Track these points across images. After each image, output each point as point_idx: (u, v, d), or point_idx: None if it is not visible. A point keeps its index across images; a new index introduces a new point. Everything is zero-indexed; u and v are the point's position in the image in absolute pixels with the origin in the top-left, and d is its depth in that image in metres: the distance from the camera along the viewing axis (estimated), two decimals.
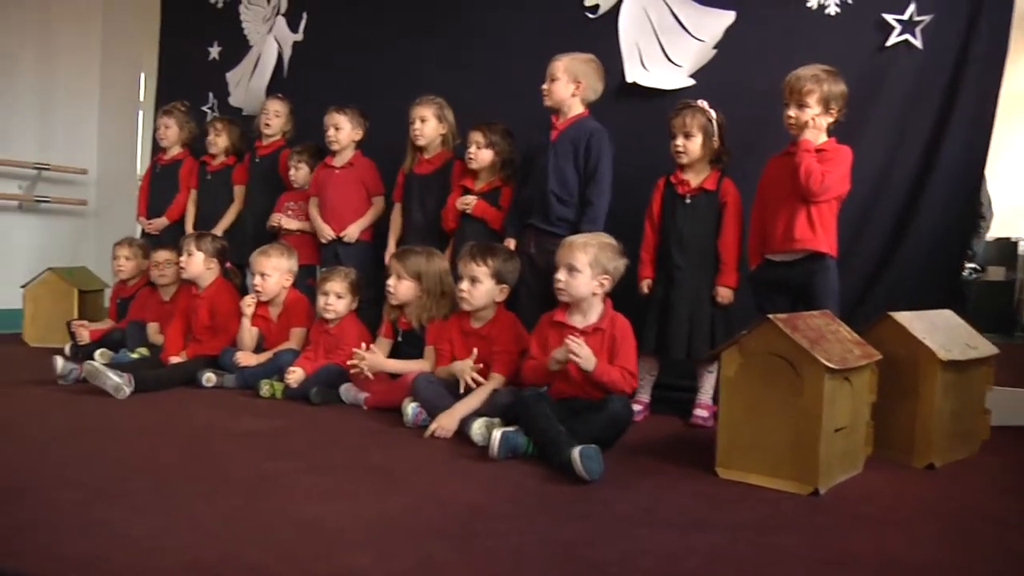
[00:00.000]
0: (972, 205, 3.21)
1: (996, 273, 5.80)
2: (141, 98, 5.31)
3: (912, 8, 3.13)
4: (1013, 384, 2.91)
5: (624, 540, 1.75)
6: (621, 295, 2.77)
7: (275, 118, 4.23)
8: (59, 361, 3.25)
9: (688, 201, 3.05)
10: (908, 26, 3.14)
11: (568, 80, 3.18)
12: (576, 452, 2.15)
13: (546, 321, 2.72)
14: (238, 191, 4.32)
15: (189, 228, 4.31)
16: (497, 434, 2.36)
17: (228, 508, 1.84)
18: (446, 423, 2.59)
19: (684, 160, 3.04)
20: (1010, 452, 2.66)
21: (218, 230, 4.16)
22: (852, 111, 3.10)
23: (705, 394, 3.05)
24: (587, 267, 2.59)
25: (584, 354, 2.47)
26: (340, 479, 2.14)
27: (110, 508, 1.82)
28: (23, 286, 4.47)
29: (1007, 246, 5.92)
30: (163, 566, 1.49)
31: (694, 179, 3.08)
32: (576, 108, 3.23)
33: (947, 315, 2.72)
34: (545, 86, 3.21)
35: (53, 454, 2.28)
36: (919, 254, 3.07)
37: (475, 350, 2.77)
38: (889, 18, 3.16)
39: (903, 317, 2.55)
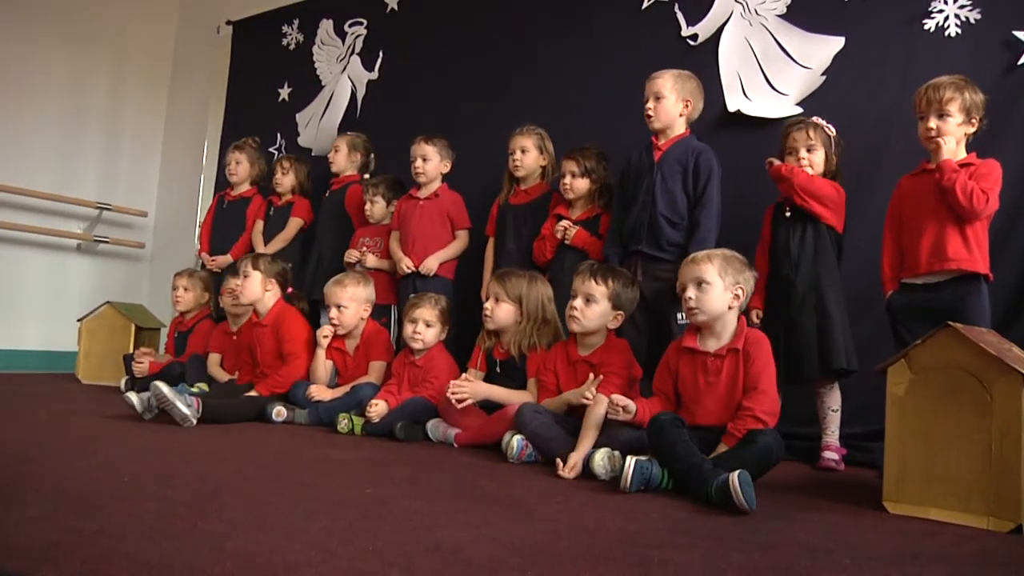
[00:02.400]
0: None
1: None
2: (206, 143, 5.22)
3: None
4: None
5: (831, 570, 1.45)
6: None
7: (335, 153, 4.12)
8: (134, 398, 2.92)
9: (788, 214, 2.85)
10: None
11: (677, 99, 3.02)
12: (735, 476, 1.86)
13: (674, 349, 2.44)
14: (293, 222, 4.17)
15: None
16: (631, 462, 2.07)
17: (340, 527, 1.55)
18: (580, 470, 2.27)
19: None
20: None
21: (270, 249, 4.05)
22: (981, 138, 2.90)
23: (831, 436, 2.76)
24: (717, 278, 2.32)
25: None
26: (461, 507, 1.84)
27: (201, 519, 1.54)
28: (80, 319, 4.28)
29: None
30: None
31: None
32: (680, 128, 3.06)
33: None
34: (649, 105, 3.04)
35: (125, 470, 2.02)
36: None
37: (591, 375, 2.50)
38: (1020, 35, 2.96)
39: None
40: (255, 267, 3.39)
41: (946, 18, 3.10)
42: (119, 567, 1.23)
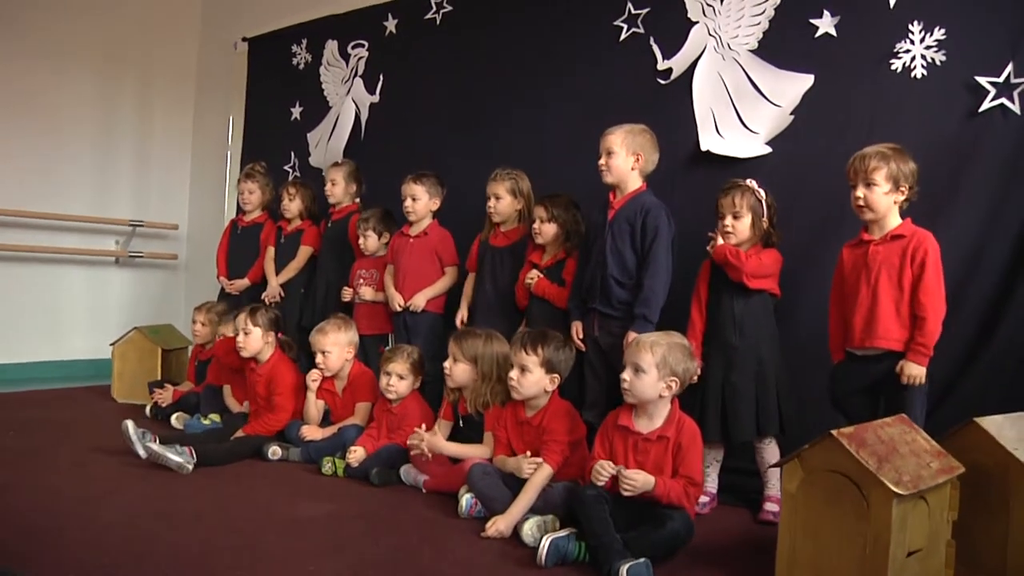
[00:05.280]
0: None
1: None
2: (228, 156, 5.50)
3: (1009, 68, 2.88)
4: None
5: None
6: None
7: (332, 187, 4.33)
8: (130, 429, 3.19)
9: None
10: (1004, 89, 2.89)
11: (627, 153, 3.09)
12: (624, 569, 2.07)
13: (611, 423, 2.60)
14: (303, 250, 4.39)
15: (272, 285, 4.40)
16: (546, 542, 2.28)
17: None
18: (502, 527, 2.49)
19: (732, 240, 2.93)
20: None
21: (281, 278, 4.33)
22: (941, 183, 2.92)
23: (772, 488, 2.87)
24: (653, 368, 2.47)
25: (639, 483, 2.35)
26: None
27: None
28: (111, 344, 4.66)
29: None
30: None
31: None
32: (634, 183, 3.13)
33: None
34: (602, 161, 3.12)
35: (108, 543, 2.34)
36: (1016, 344, 2.80)
37: (528, 453, 2.70)
38: (983, 80, 2.92)
39: (991, 423, 2.32)
40: (255, 323, 3.63)
41: (912, 59, 3.07)
42: None
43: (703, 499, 2.88)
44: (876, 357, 2.60)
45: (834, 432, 2.06)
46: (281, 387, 3.56)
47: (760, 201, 2.91)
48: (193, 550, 2.30)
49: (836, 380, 2.73)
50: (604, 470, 2.41)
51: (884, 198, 2.59)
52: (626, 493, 2.35)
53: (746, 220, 2.91)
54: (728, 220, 2.92)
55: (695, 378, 2.89)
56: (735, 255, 2.88)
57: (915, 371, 2.51)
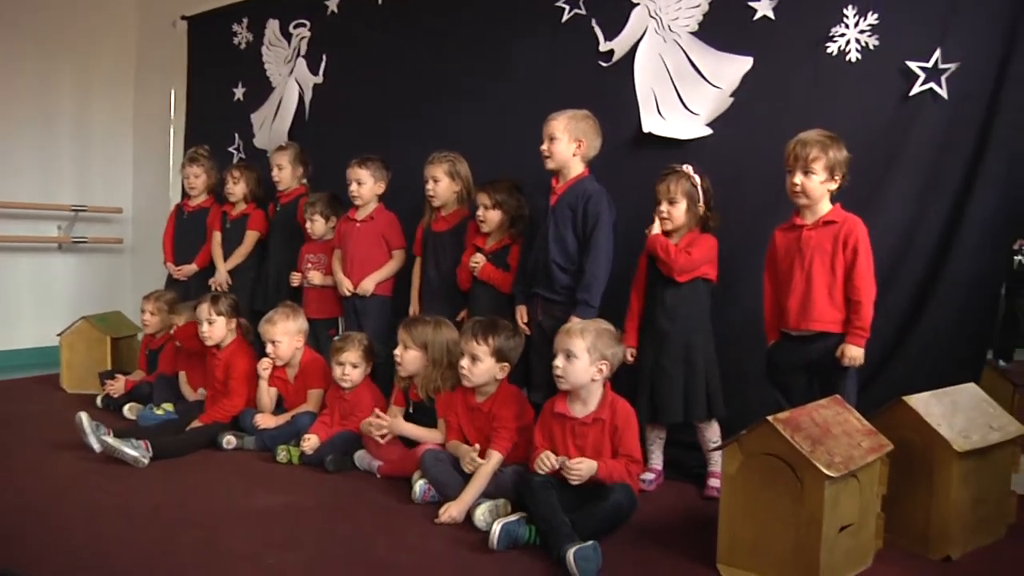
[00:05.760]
0: (1003, 266, 3.01)
1: None
2: (172, 137, 5.41)
3: (938, 54, 2.96)
4: None
5: None
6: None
7: (279, 172, 4.30)
8: (84, 422, 3.17)
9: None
10: (933, 74, 2.98)
11: (570, 139, 3.11)
12: (571, 553, 2.15)
13: (548, 411, 2.68)
14: (250, 235, 4.36)
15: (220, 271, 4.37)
16: (497, 527, 2.36)
17: None
18: (455, 513, 2.56)
19: (668, 226, 2.99)
20: None
21: (229, 264, 4.33)
22: (877, 168, 3.02)
23: (716, 465, 2.95)
24: (585, 353, 2.55)
25: (583, 471, 2.45)
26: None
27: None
28: (59, 334, 4.58)
29: None
30: None
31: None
32: (576, 168, 3.16)
33: (970, 391, 2.60)
34: (544, 147, 3.15)
35: (68, 542, 2.37)
36: (944, 321, 2.93)
37: (477, 445, 2.76)
38: (913, 65, 3.01)
39: (918, 401, 2.45)
40: (218, 313, 3.63)
41: (847, 42, 3.14)
42: None
43: (649, 476, 2.99)
44: (811, 337, 2.69)
45: (770, 418, 2.16)
46: (235, 372, 3.57)
47: (695, 186, 2.96)
48: (153, 547, 2.34)
49: (772, 360, 2.83)
50: (546, 462, 2.51)
51: (820, 186, 2.67)
52: (573, 482, 2.44)
53: (681, 206, 2.96)
54: (664, 206, 2.98)
55: (630, 357, 2.98)
56: (665, 250, 2.93)
57: (855, 352, 2.62)
